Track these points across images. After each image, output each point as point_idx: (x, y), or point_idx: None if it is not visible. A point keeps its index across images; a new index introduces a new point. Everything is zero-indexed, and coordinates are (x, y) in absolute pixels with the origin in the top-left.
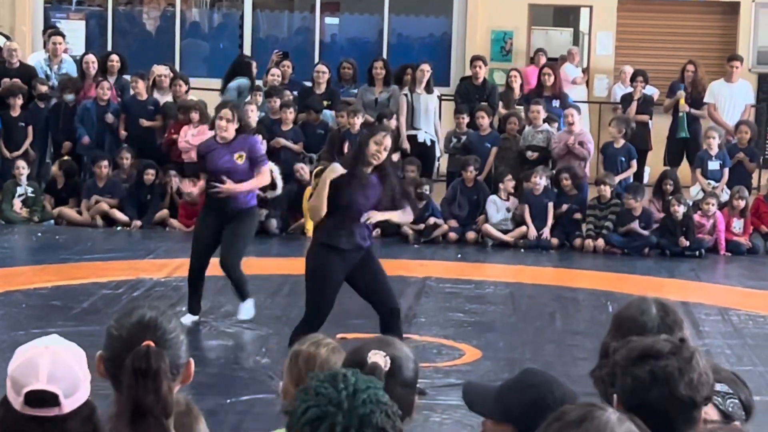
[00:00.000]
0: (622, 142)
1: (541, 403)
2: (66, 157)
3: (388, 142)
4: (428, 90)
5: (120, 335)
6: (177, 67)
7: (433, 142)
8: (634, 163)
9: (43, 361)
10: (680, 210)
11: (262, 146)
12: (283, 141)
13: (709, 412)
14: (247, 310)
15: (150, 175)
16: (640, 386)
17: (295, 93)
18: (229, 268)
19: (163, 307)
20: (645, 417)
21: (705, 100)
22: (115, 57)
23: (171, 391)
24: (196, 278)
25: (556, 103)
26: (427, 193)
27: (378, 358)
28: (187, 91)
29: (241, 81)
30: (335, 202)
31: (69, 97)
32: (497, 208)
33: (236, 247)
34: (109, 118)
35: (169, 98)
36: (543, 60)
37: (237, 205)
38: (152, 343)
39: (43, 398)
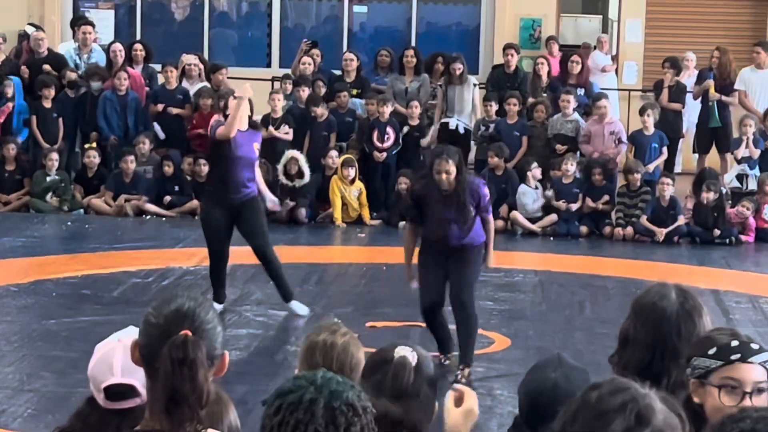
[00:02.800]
0: (652, 129)
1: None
2: (91, 144)
3: (445, 166)
4: (460, 81)
5: (158, 323)
6: (206, 56)
7: (467, 129)
8: (665, 150)
9: (116, 355)
10: (710, 197)
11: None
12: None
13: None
14: (299, 307)
15: (168, 167)
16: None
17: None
18: (266, 252)
19: (201, 298)
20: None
21: (735, 87)
22: (138, 46)
23: (207, 380)
24: (220, 268)
25: (581, 91)
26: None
27: (406, 352)
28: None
29: None
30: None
31: (95, 85)
32: (532, 198)
33: (262, 231)
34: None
35: (198, 87)
36: (555, 48)
37: (241, 197)
38: (189, 333)
39: (122, 391)
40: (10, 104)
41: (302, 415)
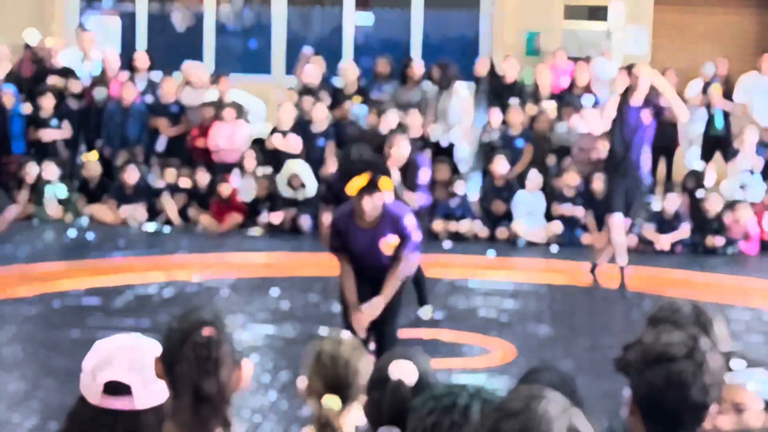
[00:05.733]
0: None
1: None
2: (89, 156)
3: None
4: (444, 86)
5: (180, 328)
6: (211, 64)
7: (450, 144)
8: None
9: (119, 350)
10: (713, 207)
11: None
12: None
13: (751, 401)
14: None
15: (171, 174)
16: (655, 390)
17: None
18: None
19: (218, 309)
20: (659, 418)
21: (738, 95)
22: (139, 55)
23: (230, 377)
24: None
25: (590, 100)
26: (460, 193)
27: (402, 374)
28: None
29: None
30: None
31: (100, 95)
32: (526, 208)
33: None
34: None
35: (201, 96)
36: (564, 58)
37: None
38: (212, 332)
39: (118, 387)
40: None
41: (457, 418)
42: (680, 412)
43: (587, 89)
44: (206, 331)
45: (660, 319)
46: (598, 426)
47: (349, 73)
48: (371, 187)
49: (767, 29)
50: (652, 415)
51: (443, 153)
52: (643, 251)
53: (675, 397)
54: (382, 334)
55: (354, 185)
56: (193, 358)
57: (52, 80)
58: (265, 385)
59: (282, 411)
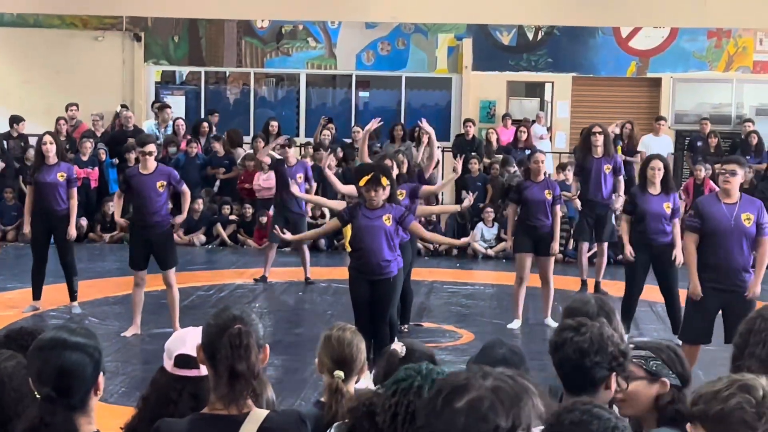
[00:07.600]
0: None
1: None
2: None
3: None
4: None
5: (216, 324)
6: (251, 129)
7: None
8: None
9: (190, 335)
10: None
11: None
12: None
13: (635, 371)
14: None
15: (226, 209)
16: (552, 354)
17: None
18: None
19: (245, 307)
20: (559, 375)
21: (638, 149)
22: (204, 123)
23: (258, 359)
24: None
25: (528, 152)
26: (434, 219)
27: (397, 346)
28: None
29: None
30: None
31: (172, 150)
32: (483, 234)
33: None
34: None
35: (244, 152)
36: (509, 122)
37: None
38: (242, 326)
39: (188, 360)
40: (96, 169)
41: (412, 397)
42: (563, 368)
43: (526, 144)
44: (237, 326)
45: (574, 308)
46: (543, 384)
47: (356, 134)
48: (375, 181)
49: (655, 101)
50: (557, 372)
51: None
52: (569, 263)
53: (558, 356)
54: (376, 330)
55: (362, 179)
56: (229, 347)
57: (131, 141)
58: (297, 361)
59: (306, 380)
